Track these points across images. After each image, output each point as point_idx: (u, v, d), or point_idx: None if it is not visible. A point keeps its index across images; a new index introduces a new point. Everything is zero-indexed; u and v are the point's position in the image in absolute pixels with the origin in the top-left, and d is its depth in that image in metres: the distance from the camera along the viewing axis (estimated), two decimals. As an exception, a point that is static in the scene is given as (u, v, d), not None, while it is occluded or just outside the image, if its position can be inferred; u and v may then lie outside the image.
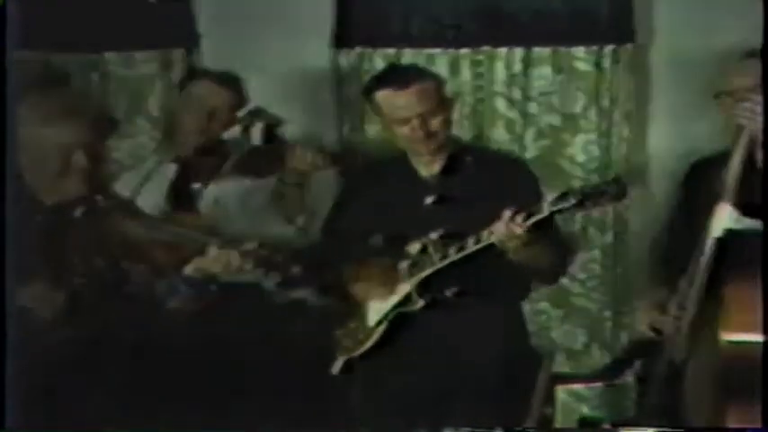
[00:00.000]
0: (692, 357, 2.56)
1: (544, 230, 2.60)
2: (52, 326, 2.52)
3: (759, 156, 2.55)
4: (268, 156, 3.15)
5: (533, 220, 2.56)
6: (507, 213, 2.58)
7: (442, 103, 2.83)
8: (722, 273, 2.46)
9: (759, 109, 2.42)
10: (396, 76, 2.89)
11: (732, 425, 2.36)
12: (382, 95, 2.83)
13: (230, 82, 3.27)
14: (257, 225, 3.10)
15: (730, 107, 2.72)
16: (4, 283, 2.24)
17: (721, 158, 2.58)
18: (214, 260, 2.58)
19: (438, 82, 2.88)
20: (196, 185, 3.18)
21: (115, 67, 3.76)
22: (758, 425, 2.32)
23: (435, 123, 2.80)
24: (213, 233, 2.68)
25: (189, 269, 2.61)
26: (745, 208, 2.47)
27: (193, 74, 3.42)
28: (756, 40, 2.53)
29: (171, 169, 3.25)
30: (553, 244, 2.76)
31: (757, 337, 2.38)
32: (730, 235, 2.46)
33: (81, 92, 3.59)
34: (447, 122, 2.84)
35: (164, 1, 3.69)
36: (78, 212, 2.57)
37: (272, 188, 3.14)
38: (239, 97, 3.23)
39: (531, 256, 2.67)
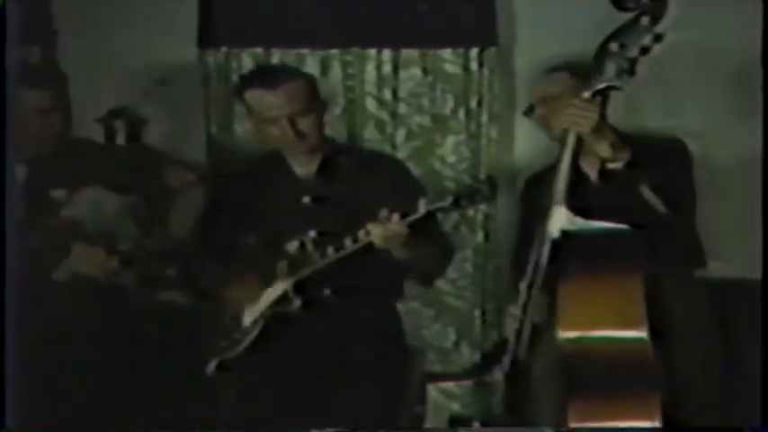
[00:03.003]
0: (536, 356, 2.64)
1: (422, 229, 2.62)
2: None
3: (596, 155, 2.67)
4: (137, 169, 3.07)
5: (410, 219, 2.59)
6: (384, 213, 2.60)
7: (313, 104, 2.81)
8: (557, 272, 2.55)
9: (586, 113, 2.52)
10: (265, 75, 2.86)
11: (574, 421, 2.41)
12: (251, 95, 2.80)
13: (51, 80, 3.15)
14: (110, 233, 3.02)
15: (546, 115, 2.90)
16: (4, 283, 2.19)
17: (553, 169, 2.67)
18: (81, 261, 2.50)
19: (309, 82, 2.85)
20: (52, 191, 3.07)
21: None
22: (599, 421, 2.39)
23: (305, 123, 2.77)
24: (77, 236, 2.59)
25: (58, 274, 2.51)
26: (577, 209, 2.57)
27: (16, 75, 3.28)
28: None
29: (21, 172, 3.11)
30: (434, 242, 2.79)
31: (593, 333, 2.48)
32: (565, 236, 2.56)
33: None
34: (318, 123, 2.82)
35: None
36: None
37: (131, 202, 3.07)
38: (62, 95, 3.10)
39: (410, 254, 2.68)
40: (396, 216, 2.58)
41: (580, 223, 2.55)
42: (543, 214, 2.60)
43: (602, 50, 2.50)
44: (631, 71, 2.48)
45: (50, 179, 3.05)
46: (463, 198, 2.57)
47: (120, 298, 2.89)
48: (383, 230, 2.59)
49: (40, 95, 3.03)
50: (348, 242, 2.68)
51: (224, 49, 3.59)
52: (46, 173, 3.05)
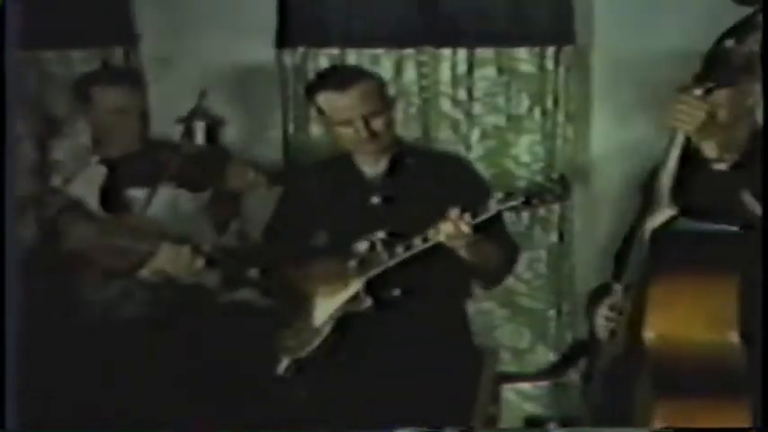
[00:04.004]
0: (628, 356, 2.59)
1: (491, 229, 2.61)
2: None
3: (703, 155, 2.61)
4: (206, 167, 3.10)
5: (481, 218, 2.57)
6: (454, 212, 2.59)
7: (384, 104, 2.82)
8: (652, 271, 2.50)
9: (693, 111, 2.46)
10: (336, 77, 2.87)
11: (660, 423, 2.38)
12: (323, 97, 2.81)
13: (131, 80, 3.21)
14: (188, 233, 3.06)
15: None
16: (4, 283, 2.21)
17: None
18: (167, 260, 2.54)
19: (379, 82, 2.87)
20: (130, 190, 3.12)
21: (53, 65, 3.69)
22: (687, 423, 2.36)
23: (378, 123, 2.78)
24: (161, 236, 2.63)
25: (144, 272, 2.56)
26: (683, 208, 2.51)
27: (94, 75, 3.31)
28: (696, 43, 2.56)
29: (100, 171, 3.16)
30: (500, 243, 2.77)
31: (683, 334, 2.44)
32: (665, 235, 2.50)
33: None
34: (389, 122, 2.83)
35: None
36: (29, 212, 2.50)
37: (206, 200, 3.11)
38: (143, 95, 3.16)
39: (477, 254, 2.67)
40: (466, 215, 2.58)
41: (683, 223, 2.49)
42: (647, 212, 2.55)
43: (718, 47, 2.41)
44: (749, 69, 2.42)
45: (129, 178, 3.11)
46: (534, 197, 2.55)
47: (200, 297, 2.93)
48: (453, 229, 2.59)
49: (119, 95, 3.10)
50: (418, 241, 2.68)
51: (301, 49, 3.61)
52: (125, 172, 3.11)
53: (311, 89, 2.88)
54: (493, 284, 3.05)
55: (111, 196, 3.10)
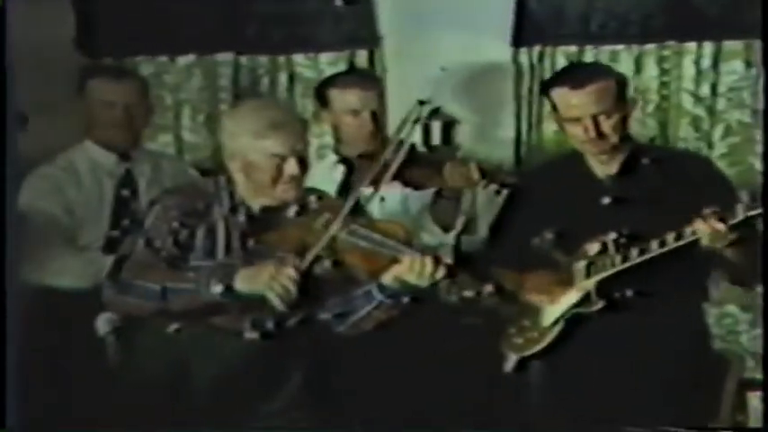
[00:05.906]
0: None
1: (749, 230, 2.51)
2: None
3: None
4: (429, 167, 3.14)
5: (738, 219, 2.49)
6: (707, 211, 2.51)
7: (620, 104, 2.78)
8: None
9: None
10: (574, 74, 2.86)
11: None
12: (558, 93, 2.81)
13: (367, 82, 3.28)
14: (415, 232, 3.09)
15: None
16: (4, 283, 2.27)
17: None
18: (409, 269, 2.59)
19: (619, 82, 2.82)
20: (364, 188, 3.19)
21: (302, 68, 3.84)
22: None
23: (608, 125, 2.75)
24: (408, 242, 2.68)
25: (386, 278, 2.64)
26: None
27: (332, 78, 3.40)
28: None
29: (339, 170, 3.27)
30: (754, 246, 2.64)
31: None
32: None
33: (286, 102, 3.71)
34: (623, 124, 2.79)
35: (348, 3, 3.75)
36: (291, 213, 2.62)
37: (429, 199, 3.14)
38: (379, 96, 3.23)
39: (736, 256, 2.58)
40: (721, 215, 2.50)
41: None
42: None
43: None
44: None
45: (364, 178, 3.19)
46: None
47: (426, 293, 2.97)
48: (708, 228, 2.51)
49: (354, 97, 3.19)
50: (670, 239, 2.60)
51: (538, 47, 3.61)
52: (360, 171, 3.18)
53: (548, 84, 2.90)
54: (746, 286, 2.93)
55: (347, 195, 3.20)
